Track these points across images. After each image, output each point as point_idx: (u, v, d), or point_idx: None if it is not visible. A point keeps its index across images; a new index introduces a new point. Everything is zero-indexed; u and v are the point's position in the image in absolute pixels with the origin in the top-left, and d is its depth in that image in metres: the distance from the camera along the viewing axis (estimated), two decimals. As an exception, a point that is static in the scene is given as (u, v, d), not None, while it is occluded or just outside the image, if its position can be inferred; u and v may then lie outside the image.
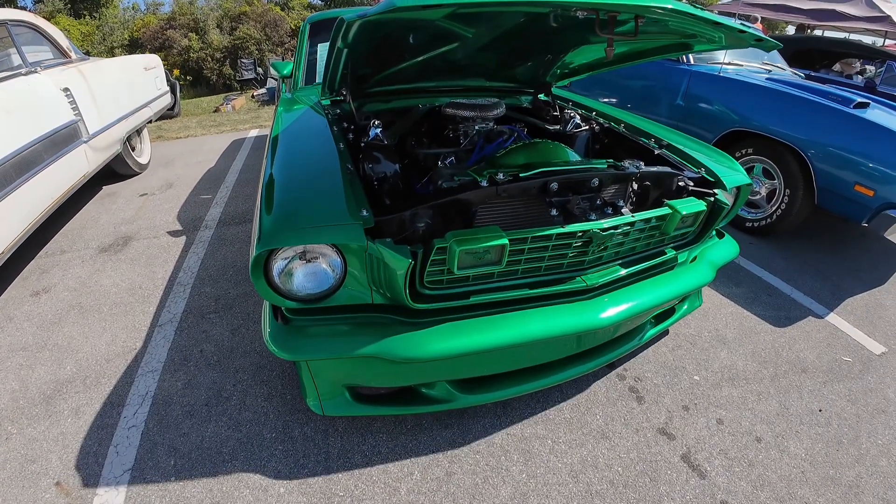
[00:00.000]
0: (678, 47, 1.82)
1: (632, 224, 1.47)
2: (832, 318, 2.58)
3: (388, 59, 1.88)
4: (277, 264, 1.22)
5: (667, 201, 1.56)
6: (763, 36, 1.47)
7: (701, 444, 1.75)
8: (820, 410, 1.97)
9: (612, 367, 2.07)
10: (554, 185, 1.41)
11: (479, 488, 1.55)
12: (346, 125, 1.95)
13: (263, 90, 9.22)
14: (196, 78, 11.75)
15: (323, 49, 2.58)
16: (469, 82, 2.37)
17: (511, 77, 2.42)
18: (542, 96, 2.57)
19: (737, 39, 1.54)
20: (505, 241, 1.21)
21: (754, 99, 3.35)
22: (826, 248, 3.35)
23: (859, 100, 2.92)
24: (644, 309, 1.54)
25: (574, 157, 1.69)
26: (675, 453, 1.71)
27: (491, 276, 1.37)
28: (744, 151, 3.32)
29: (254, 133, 6.28)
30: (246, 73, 10.59)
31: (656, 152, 1.93)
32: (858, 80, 4.63)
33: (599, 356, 1.71)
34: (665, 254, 1.68)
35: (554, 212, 1.43)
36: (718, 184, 1.73)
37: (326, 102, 2.18)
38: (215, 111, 8.28)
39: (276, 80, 9.98)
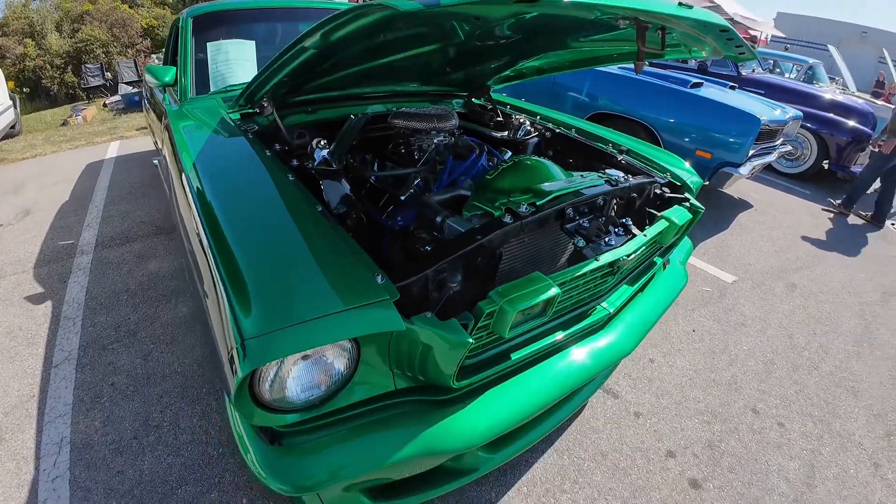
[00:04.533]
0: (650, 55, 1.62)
1: (646, 243, 1.38)
2: (691, 259, 3.13)
3: (337, 62, 1.53)
4: (268, 375, 0.87)
5: (661, 214, 1.49)
6: (747, 49, 1.40)
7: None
8: (693, 331, 2.44)
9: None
10: (570, 211, 1.27)
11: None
12: (278, 147, 1.56)
13: (117, 97, 8.16)
14: (33, 89, 9.99)
15: (214, 49, 2.24)
16: (401, 87, 2.09)
17: (450, 81, 2.15)
18: (475, 100, 2.39)
19: (716, 52, 1.46)
20: (557, 291, 1.03)
21: (612, 85, 3.93)
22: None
23: (695, 80, 3.58)
24: (654, 322, 1.50)
25: (559, 173, 1.48)
26: (595, 386, 2.01)
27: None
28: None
29: (115, 145, 5.57)
30: (92, 79, 9.36)
31: (619, 158, 1.84)
32: (692, 63, 5.59)
33: (607, 370, 1.60)
34: (655, 263, 1.64)
35: (581, 242, 1.27)
36: (685, 187, 1.73)
37: (235, 116, 1.75)
38: (63, 124, 7.13)
39: (129, 84, 8.90)
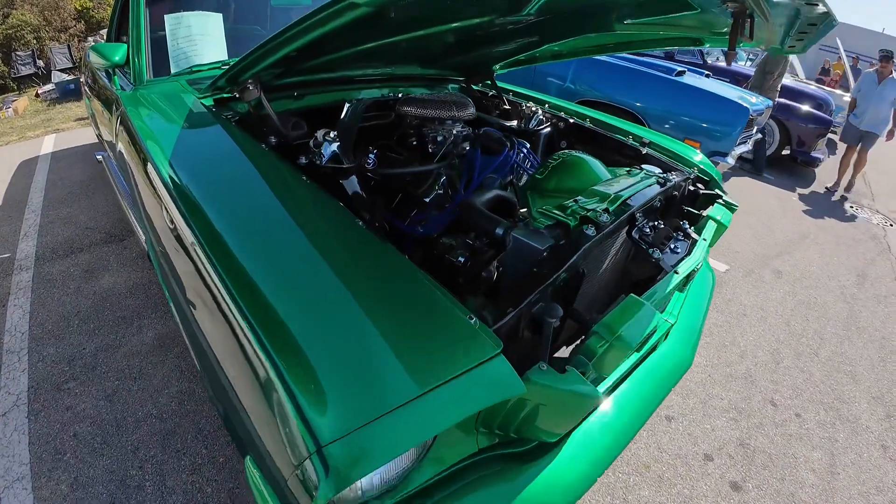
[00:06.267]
0: (691, 41, 1.47)
1: (707, 247, 1.26)
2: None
3: (362, 36, 1.26)
4: None
5: (707, 214, 1.38)
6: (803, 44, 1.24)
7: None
8: (702, 324, 2.42)
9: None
10: (639, 216, 1.13)
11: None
12: (273, 140, 1.31)
13: (51, 85, 7.42)
14: (-44, 82, 8.83)
15: (173, 23, 1.82)
16: (397, 70, 1.80)
17: (450, 63, 1.90)
18: (473, 86, 2.20)
19: (770, 42, 1.27)
20: (660, 317, 0.91)
21: (597, 72, 3.83)
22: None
23: (679, 69, 3.56)
24: (702, 327, 1.41)
25: (604, 171, 1.34)
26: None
27: None
28: (597, 118, 3.81)
29: (50, 139, 4.97)
30: (23, 67, 8.59)
31: (644, 152, 1.68)
32: (658, 50, 5.65)
33: None
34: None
35: (657, 253, 1.11)
36: (713, 182, 1.62)
37: (209, 102, 1.47)
38: (-10, 119, 6.29)
39: (63, 72, 8.08)
